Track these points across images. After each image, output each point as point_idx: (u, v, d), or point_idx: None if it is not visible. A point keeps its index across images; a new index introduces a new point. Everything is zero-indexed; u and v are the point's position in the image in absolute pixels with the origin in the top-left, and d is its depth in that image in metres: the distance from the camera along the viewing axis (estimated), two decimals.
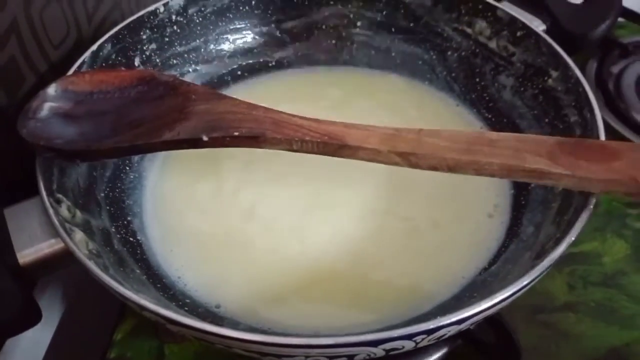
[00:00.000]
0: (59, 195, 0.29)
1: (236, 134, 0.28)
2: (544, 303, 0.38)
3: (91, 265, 0.25)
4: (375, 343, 0.22)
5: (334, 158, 0.28)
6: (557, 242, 0.26)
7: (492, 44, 0.38)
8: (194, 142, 0.28)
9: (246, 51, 0.43)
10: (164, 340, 0.38)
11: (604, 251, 0.40)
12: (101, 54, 0.36)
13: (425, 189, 0.35)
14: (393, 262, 0.32)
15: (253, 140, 0.28)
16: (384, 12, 0.42)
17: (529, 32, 0.36)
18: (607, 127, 0.37)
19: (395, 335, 0.22)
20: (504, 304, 0.23)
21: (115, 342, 0.38)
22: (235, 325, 0.29)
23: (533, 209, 0.32)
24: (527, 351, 0.34)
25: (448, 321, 0.22)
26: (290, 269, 0.32)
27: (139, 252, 0.32)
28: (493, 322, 0.33)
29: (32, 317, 0.26)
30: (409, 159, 0.27)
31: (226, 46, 0.43)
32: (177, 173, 0.37)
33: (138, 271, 0.31)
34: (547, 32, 0.37)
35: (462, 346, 0.34)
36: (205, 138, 0.28)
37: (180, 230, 0.34)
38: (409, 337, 0.22)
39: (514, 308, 0.37)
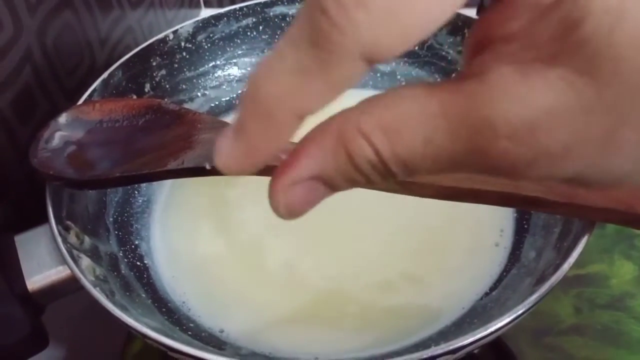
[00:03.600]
0: (68, 222, 0.30)
1: None
2: (550, 325, 0.38)
3: (96, 293, 0.25)
4: None
5: None
6: (556, 268, 0.26)
7: None
8: (198, 171, 0.29)
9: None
10: None
11: (612, 273, 0.40)
12: (112, 81, 0.37)
13: (433, 216, 0.35)
14: (397, 288, 0.32)
15: None
16: None
17: None
18: None
19: None
20: (498, 332, 0.24)
21: None
22: (237, 349, 0.30)
23: (535, 234, 0.32)
24: None
25: (442, 351, 0.22)
26: (293, 295, 0.32)
27: (145, 276, 0.33)
28: (495, 346, 0.33)
29: (39, 343, 0.27)
30: (409, 187, 0.27)
31: (234, 71, 0.43)
32: (185, 198, 0.38)
33: (144, 295, 0.31)
34: None
35: None
36: (208, 167, 0.28)
37: (186, 256, 0.35)
38: None
39: (519, 330, 0.37)
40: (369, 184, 0.17)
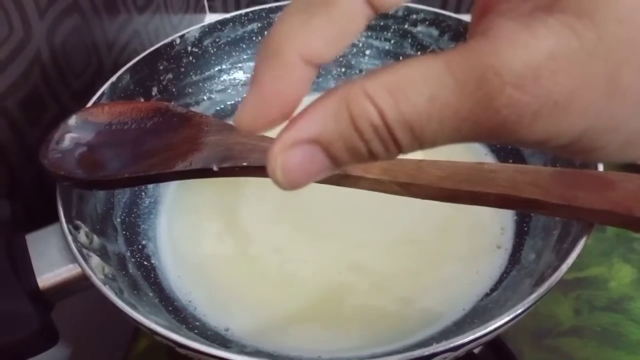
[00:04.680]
0: (78, 222, 0.30)
1: (245, 164, 0.29)
2: (550, 327, 0.38)
3: (106, 290, 0.26)
4: None
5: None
6: (555, 269, 0.26)
7: None
8: (205, 172, 0.29)
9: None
10: None
11: (611, 276, 0.40)
12: (120, 84, 0.37)
13: (435, 220, 0.36)
14: (399, 290, 0.33)
15: (261, 170, 0.29)
16: (392, 41, 0.43)
17: None
18: None
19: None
20: (499, 331, 0.24)
21: None
22: (242, 347, 0.30)
23: (535, 236, 0.33)
24: None
25: (443, 348, 0.23)
26: (296, 295, 0.33)
27: (152, 275, 0.34)
28: (496, 346, 0.33)
29: (50, 338, 0.27)
30: (408, 189, 0.28)
31: (239, 75, 0.44)
32: (191, 200, 0.38)
33: (151, 294, 0.32)
34: None
35: None
36: (215, 168, 0.29)
37: (191, 256, 0.35)
38: None
39: (519, 332, 0.37)
40: (371, 156, 0.16)
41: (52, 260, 0.29)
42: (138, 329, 0.41)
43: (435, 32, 0.41)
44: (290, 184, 0.17)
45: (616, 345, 0.37)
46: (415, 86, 0.15)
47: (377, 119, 0.15)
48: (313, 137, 0.16)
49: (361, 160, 0.16)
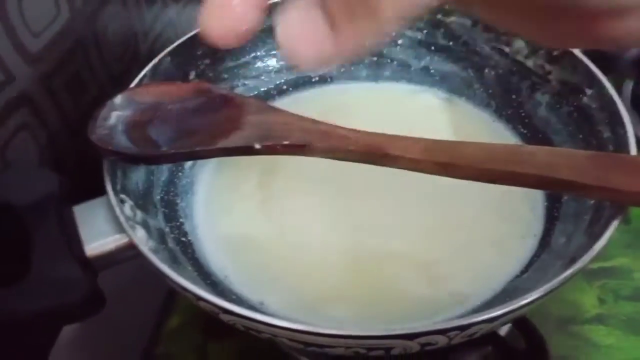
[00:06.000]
0: (123, 196, 0.31)
1: (286, 142, 0.30)
2: (575, 315, 0.39)
3: (154, 258, 0.27)
4: (411, 336, 0.24)
5: (377, 168, 0.30)
6: (586, 250, 0.27)
7: (529, 63, 0.40)
8: (247, 150, 0.30)
9: (291, 67, 0.45)
10: (208, 339, 0.40)
11: (635, 266, 0.41)
12: (160, 67, 0.38)
13: (466, 206, 0.36)
14: (431, 269, 0.34)
15: (301, 148, 0.30)
16: (425, 31, 0.44)
17: (565, 51, 0.37)
18: None
19: (430, 329, 0.23)
20: (532, 305, 0.25)
21: (161, 338, 0.40)
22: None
23: (565, 221, 0.34)
24: None
25: (479, 319, 0.24)
26: (330, 271, 0.34)
27: (189, 251, 0.35)
28: (524, 328, 0.34)
29: (98, 303, 0.29)
30: (447, 169, 0.28)
31: (273, 62, 0.45)
32: (226, 180, 0.39)
33: (190, 268, 0.33)
34: (583, 52, 0.38)
35: (493, 353, 0.35)
36: (257, 146, 0.30)
37: (227, 233, 0.36)
38: (442, 332, 0.24)
39: (546, 318, 0.38)
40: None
41: (99, 230, 0.30)
42: (169, 306, 0.42)
43: (468, 22, 0.42)
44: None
45: None
46: None
47: None
48: None
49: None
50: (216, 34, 0.17)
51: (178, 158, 0.33)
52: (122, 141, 0.31)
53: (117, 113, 0.33)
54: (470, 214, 0.36)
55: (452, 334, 0.24)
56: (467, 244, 0.34)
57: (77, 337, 0.43)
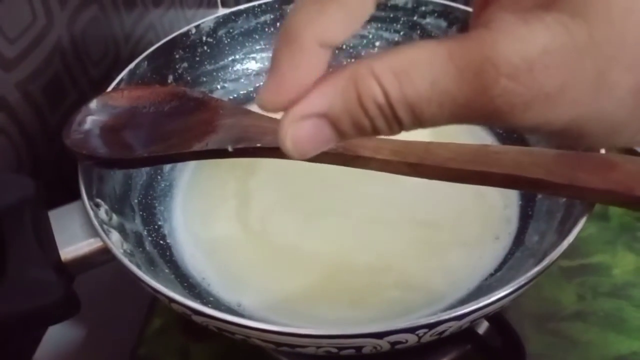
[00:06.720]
0: (98, 200, 0.32)
1: (259, 145, 0.30)
2: (554, 312, 0.39)
3: (127, 262, 0.27)
4: (379, 335, 0.24)
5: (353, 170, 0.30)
6: (556, 247, 0.27)
7: None
8: (221, 153, 0.30)
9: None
10: (189, 339, 0.40)
11: (614, 263, 0.41)
12: (137, 72, 0.39)
13: (441, 204, 0.36)
14: (406, 268, 0.34)
15: (274, 151, 0.30)
16: (401, 33, 0.44)
17: None
18: None
19: (398, 328, 0.24)
20: (500, 302, 0.25)
21: (144, 339, 0.40)
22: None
23: (539, 220, 0.34)
24: (534, 357, 0.35)
25: (447, 317, 0.24)
26: (306, 272, 0.34)
27: (168, 254, 0.35)
28: (501, 326, 0.34)
29: (72, 307, 0.29)
30: (417, 169, 0.29)
31: (252, 65, 0.45)
32: (205, 183, 0.40)
33: (167, 271, 0.33)
34: None
35: (470, 351, 0.35)
36: (230, 149, 0.30)
37: (205, 236, 0.36)
38: (411, 330, 0.24)
39: (523, 315, 0.38)
40: (374, 132, 0.18)
41: (74, 234, 0.30)
42: (152, 308, 0.42)
43: (443, 23, 0.42)
44: (299, 153, 0.18)
45: (619, 329, 0.37)
46: (419, 71, 0.16)
47: (382, 98, 0.16)
48: (322, 112, 0.17)
49: (365, 135, 0.18)
50: (272, 108, 0.18)
51: (152, 162, 0.33)
52: (97, 145, 0.31)
53: (92, 117, 0.33)
54: (445, 214, 0.36)
55: (420, 332, 0.24)
56: (442, 244, 0.35)
57: (63, 338, 0.43)
